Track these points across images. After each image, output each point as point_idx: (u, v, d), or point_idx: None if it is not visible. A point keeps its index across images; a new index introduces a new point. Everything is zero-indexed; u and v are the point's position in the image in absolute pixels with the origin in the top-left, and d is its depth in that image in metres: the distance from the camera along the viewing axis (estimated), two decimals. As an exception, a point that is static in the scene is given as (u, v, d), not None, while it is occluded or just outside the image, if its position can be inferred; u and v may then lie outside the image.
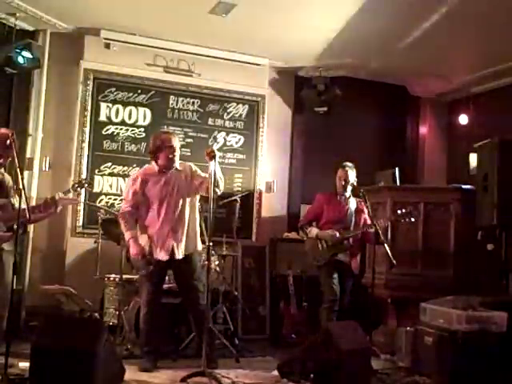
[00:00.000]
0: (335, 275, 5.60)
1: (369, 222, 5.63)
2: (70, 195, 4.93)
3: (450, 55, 6.92)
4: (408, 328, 5.37)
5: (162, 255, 4.96)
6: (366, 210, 5.70)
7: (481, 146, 6.07)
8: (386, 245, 5.28)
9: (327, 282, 5.62)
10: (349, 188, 5.77)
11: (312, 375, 4.45)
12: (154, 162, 5.08)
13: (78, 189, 4.99)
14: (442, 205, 6.25)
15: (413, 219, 5.44)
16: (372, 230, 5.40)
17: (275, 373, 4.76)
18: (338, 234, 5.61)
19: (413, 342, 5.24)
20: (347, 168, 5.76)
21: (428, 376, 4.90)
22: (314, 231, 5.75)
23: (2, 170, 4.78)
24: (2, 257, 4.67)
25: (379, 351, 5.53)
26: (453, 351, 4.80)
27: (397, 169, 6.78)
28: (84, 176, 6.46)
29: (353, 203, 5.82)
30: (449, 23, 6.04)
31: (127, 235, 4.96)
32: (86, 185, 5.07)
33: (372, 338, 5.22)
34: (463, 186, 6.27)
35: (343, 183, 5.75)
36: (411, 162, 8.23)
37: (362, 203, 5.73)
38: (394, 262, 5.29)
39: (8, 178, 4.73)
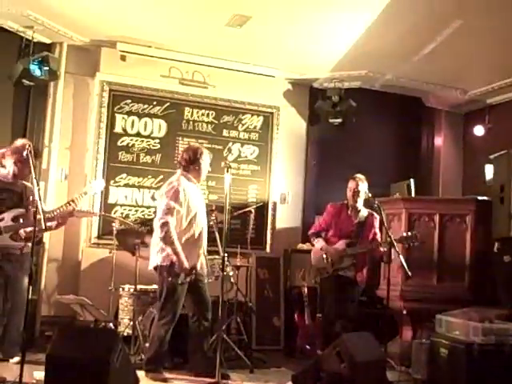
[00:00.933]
0: (336, 289, 5.60)
1: (378, 237, 5.65)
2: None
3: (466, 67, 6.91)
4: (424, 340, 5.33)
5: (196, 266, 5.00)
6: (376, 225, 5.70)
7: (497, 157, 6.05)
8: (401, 256, 5.25)
9: (324, 298, 5.79)
10: (360, 200, 5.71)
11: (326, 387, 4.43)
12: (184, 171, 5.11)
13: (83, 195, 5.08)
14: (457, 216, 6.22)
15: (416, 243, 5.40)
16: (381, 248, 5.45)
17: (290, 384, 4.76)
18: (341, 249, 5.58)
19: (428, 353, 5.20)
20: (357, 179, 5.71)
21: (444, 388, 4.87)
22: (319, 243, 5.75)
23: (24, 181, 4.87)
24: (18, 264, 4.75)
25: (395, 363, 5.50)
26: (469, 363, 4.77)
27: (412, 180, 6.77)
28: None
29: (363, 217, 5.76)
30: (464, 35, 6.02)
31: (176, 247, 4.80)
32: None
33: (387, 350, 5.18)
34: (479, 198, 6.24)
35: (352, 193, 5.69)
36: (426, 173, 8.19)
37: (373, 217, 5.71)
38: (410, 273, 5.25)
39: (30, 189, 4.81)
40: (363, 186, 5.68)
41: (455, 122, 8.45)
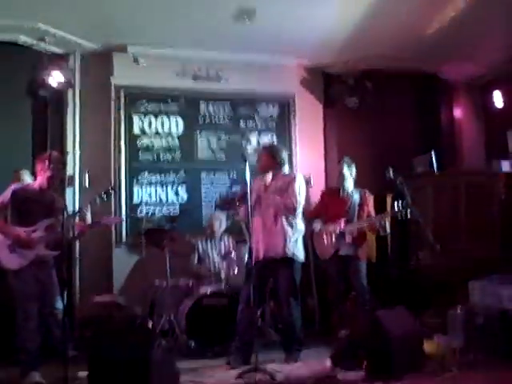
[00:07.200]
0: (340, 268, 5.85)
1: (372, 214, 5.91)
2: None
3: (480, 36, 6.78)
4: (458, 309, 5.31)
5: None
6: (369, 203, 5.97)
7: (518, 123, 5.98)
8: (427, 229, 5.27)
9: (331, 277, 5.97)
10: (347, 182, 5.99)
11: (364, 363, 4.45)
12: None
13: (105, 197, 5.15)
14: (483, 186, 6.17)
15: (408, 214, 5.44)
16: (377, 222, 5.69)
17: (328, 363, 4.78)
18: (338, 230, 5.79)
19: (464, 322, 5.19)
20: (342, 163, 6.05)
21: (482, 355, 4.84)
22: (318, 226, 5.97)
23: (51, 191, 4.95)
24: (50, 271, 4.85)
25: (431, 334, 5.49)
26: (504, 329, 4.75)
27: (433, 153, 6.71)
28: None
29: (356, 196, 5.99)
30: (476, 4, 5.94)
31: None
32: (112, 191, 5.23)
33: (423, 321, 5.18)
34: (503, 166, 6.19)
35: (339, 177, 6.03)
36: (448, 146, 8.07)
37: (366, 196, 5.98)
38: (438, 246, 5.28)
39: (58, 199, 4.89)
40: (348, 170, 6.00)
41: (473, 92, 8.32)
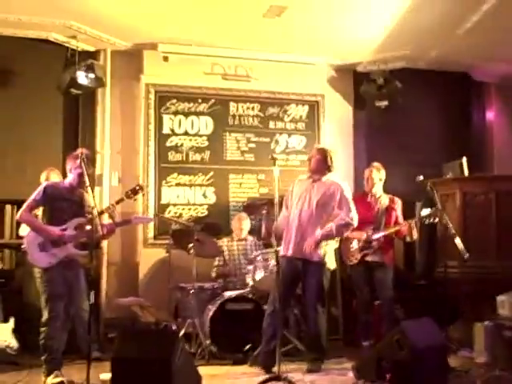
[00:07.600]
0: (366, 275, 5.82)
1: (400, 220, 5.83)
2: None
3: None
4: (486, 322, 5.23)
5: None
6: (397, 208, 5.90)
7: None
8: (457, 238, 5.19)
9: (357, 284, 5.96)
10: (376, 187, 5.95)
11: (388, 375, 4.40)
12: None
13: (132, 195, 5.13)
14: (515, 193, 6.04)
15: (436, 220, 5.43)
16: (405, 227, 5.68)
17: (351, 374, 4.75)
18: (364, 236, 5.75)
19: (491, 336, 5.11)
20: (371, 168, 6.01)
21: (509, 371, 4.76)
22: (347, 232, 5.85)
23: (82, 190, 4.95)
24: (78, 270, 4.89)
25: (456, 347, 5.43)
26: (534, 344, 4.67)
27: (464, 158, 6.59)
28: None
29: (384, 202, 5.93)
30: (508, 3, 5.81)
31: None
32: (141, 191, 5.20)
33: (448, 334, 5.11)
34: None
35: (367, 182, 6.00)
36: (480, 150, 7.94)
37: (394, 202, 5.92)
38: (467, 255, 5.19)
39: (87, 197, 4.89)
40: (377, 175, 5.96)
41: (506, 93, 8.16)
